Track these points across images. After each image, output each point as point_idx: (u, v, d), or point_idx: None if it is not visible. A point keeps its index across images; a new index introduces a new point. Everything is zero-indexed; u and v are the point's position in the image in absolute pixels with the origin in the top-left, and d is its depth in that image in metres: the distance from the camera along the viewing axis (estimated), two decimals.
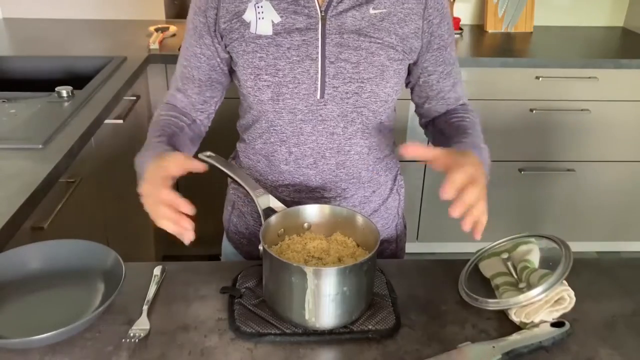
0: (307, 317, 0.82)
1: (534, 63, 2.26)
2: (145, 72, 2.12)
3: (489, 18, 2.64)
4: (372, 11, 0.97)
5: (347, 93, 0.98)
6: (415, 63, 1.05)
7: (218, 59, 1.02)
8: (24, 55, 2.11)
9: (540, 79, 2.26)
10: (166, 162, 0.84)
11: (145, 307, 0.87)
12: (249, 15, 0.97)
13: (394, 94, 1.02)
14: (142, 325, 0.84)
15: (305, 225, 0.95)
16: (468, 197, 0.77)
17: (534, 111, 2.32)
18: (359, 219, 0.92)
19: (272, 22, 0.96)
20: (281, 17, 0.96)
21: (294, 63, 0.96)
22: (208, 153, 0.99)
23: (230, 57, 1.02)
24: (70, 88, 1.61)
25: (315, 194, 1.07)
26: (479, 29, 2.69)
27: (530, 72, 2.26)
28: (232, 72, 1.06)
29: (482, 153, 0.95)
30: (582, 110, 2.33)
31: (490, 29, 2.65)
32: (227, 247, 1.22)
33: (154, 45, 2.19)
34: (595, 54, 2.39)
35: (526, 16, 2.64)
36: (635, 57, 2.27)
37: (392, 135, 1.14)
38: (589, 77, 2.26)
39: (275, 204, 0.94)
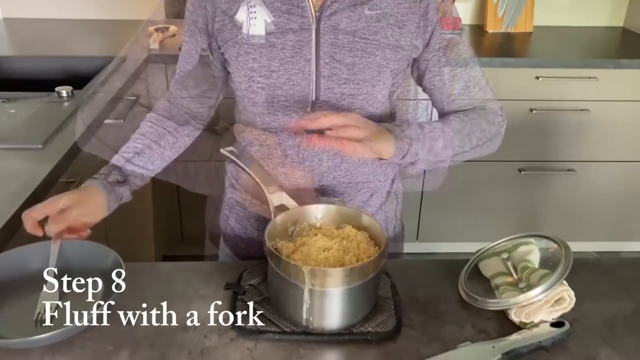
0: (304, 321, 0.82)
1: (534, 63, 2.25)
2: (145, 72, 2.12)
3: (489, 18, 2.63)
4: (367, 12, 0.94)
5: (342, 95, 0.97)
6: (418, 65, 1.03)
7: (211, 56, 1.02)
8: (24, 55, 2.11)
9: (540, 79, 2.26)
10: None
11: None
12: (240, 16, 0.95)
13: (390, 94, 1.02)
14: None
15: (316, 219, 0.94)
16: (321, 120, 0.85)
17: (534, 111, 2.32)
18: (376, 226, 0.90)
19: (265, 21, 0.94)
20: (274, 16, 0.94)
21: (288, 64, 0.95)
22: (230, 148, 1.01)
23: (225, 58, 1.01)
24: (70, 88, 1.61)
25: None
26: (479, 29, 2.69)
27: (530, 72, 2.26)
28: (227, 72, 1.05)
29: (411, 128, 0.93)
30: (582, 110, 2.33)
31: (490, 29, 2.65)
32: (223, 249, 1.21)
33: (154, 45, 2.19)
34: (595, 54, 2.39)
35: (526, 16, 2.63)
36: (635, 57, 2.26)
37: None
38: (589, 77, 2.26)
39: (288, 201, 0.94)
